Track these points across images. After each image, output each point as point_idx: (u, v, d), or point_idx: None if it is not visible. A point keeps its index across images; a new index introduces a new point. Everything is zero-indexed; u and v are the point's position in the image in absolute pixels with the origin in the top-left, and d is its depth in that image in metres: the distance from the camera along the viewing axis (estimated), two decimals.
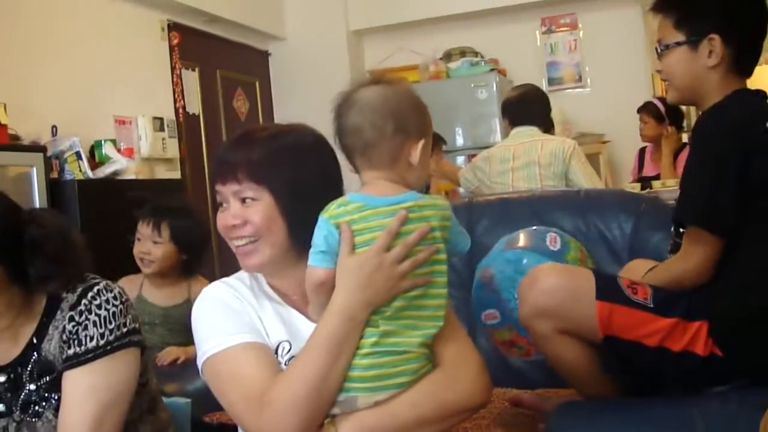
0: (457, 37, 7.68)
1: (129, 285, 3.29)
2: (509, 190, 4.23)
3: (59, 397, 1.82)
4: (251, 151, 1.71)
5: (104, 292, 1.85)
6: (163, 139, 5.81)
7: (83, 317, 1.81)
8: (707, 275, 2.03)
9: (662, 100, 5.57)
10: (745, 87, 2.20)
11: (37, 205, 4.05)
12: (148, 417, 1.98)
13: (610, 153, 7.08)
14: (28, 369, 1.87)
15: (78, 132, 4.73)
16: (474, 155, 5.09)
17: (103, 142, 4.99)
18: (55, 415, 1.83)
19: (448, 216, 1.64)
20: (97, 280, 1.88)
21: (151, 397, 2.01)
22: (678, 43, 2.19)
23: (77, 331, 1.80)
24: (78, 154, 4.60)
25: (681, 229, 2.15)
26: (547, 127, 4.66)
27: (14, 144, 4.19)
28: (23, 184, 4.07)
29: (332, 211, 1.59)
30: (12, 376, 1.88)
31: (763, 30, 2.20)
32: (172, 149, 5.94)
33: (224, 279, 1.80)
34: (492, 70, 7.20)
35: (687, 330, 2.01)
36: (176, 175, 5.98)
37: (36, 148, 4.29)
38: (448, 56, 7.59)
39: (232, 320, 1.68)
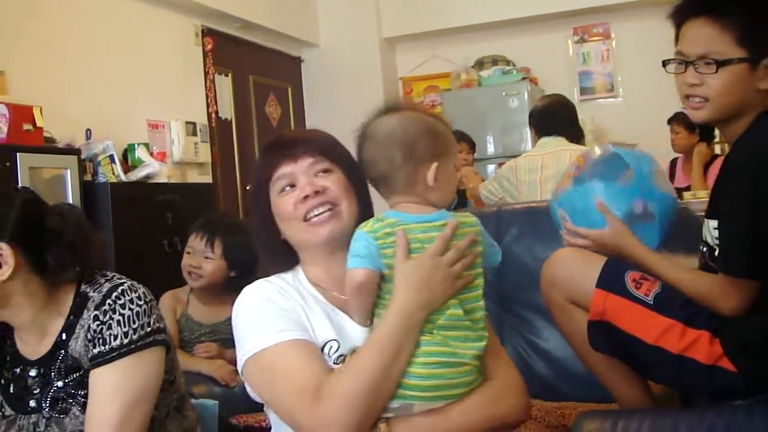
0: (489, 46, 7.69)
1: (174, 301, 3.31)
2: (537, 197, 4.21)
3: (86, 394, 1.85)
4: (319, 134, 1.84)
5: (128, 292, 1.87)
6: (196, 143, 5.86)
7: (107, 316, 1.84)
8: (745, 312, 1.96)
9: None
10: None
11: None
12: (175, 415, 2.00)
13: None
14: (56, 366, 1.91)
15: (112, 135, 4.79)
16: (504, 163, 5.08)
17: (136, 145, 5.04)
18: (83, 412, 1.86)
19: (479, 231, 1.71)
20: (122, 280, 1.91)
21: (179, 395, 2.03)
22: (741, 60, 1.95)
23: (102, 330, 1.83)
24: (111, 158, 4.65)
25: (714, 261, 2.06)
26: (576, 136, 4.61)
27: (49, 146, 4.24)
28: (57, 186, 4.12)
29: (370, 226, 1.66)
30: (42, 371, 1.92)
31: None
32: (204, 154, 5.99)
33: (267, 278, 1.81)
34: (523, 78, 7.20)
35: (686, 334, 2.00)
36: (208, 179, 6.02)
37: (70, 150, 4.35)
38: (479, 64, 7.60)
39: (280, 317, 1.69)
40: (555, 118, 4.48)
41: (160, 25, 5.76)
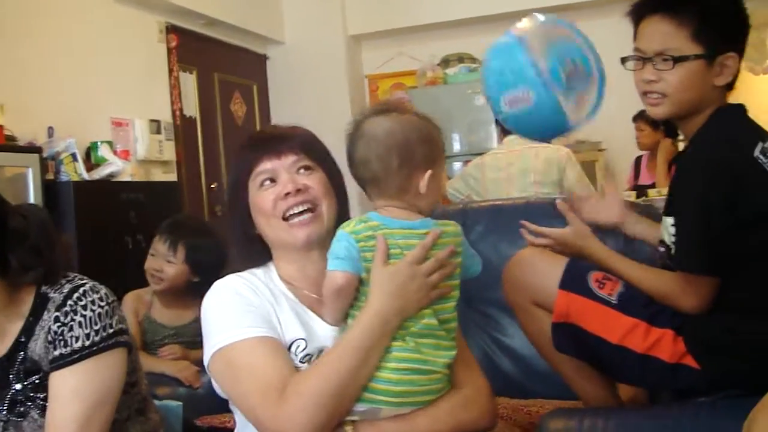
0: (455, 43, 7.69)
1: (137, 303, 3.28)
2: (504, 194, 4.22)
3: (45, 397, 1.82)
4: (303, 132, 1.83)
5: (90, 293, 1.84)
6: (160, 141, 5.81)
7: (69, 318, 1.81)
8: (707, 309, 1.97)
9: None
10: (728, 104, 2.09)
11: None
12: (137, 418, 1.98)
13: (606, 161, 7.08)
14: (15, 368, 1.87)
15: (74, 133, 4.73)
16: (470, 161, 5.08)
17: (99, 143, 4.99)
18: (41, 415, 1.83)
19: (460, 242, 1.71)
20: (83, 281, 1.88)
21: (141, 397, 2.01)
22: (697, 56, 1.98)
23: (63, 332, 1.80)
24: (74, 156, 4.60)
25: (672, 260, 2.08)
26: None
27: (10, 145, 4.19)
28: (19, 184, 4.07)
29: (353, 227, 1.64)
30: (1, 373, 1.88)
31: None
32: (169, 152, 5.94)
33: (239, 273, 1.80)
34: None
35: (650, 333, 2.01)
36: (172, 177, 5.98)
37: (32, 149, 4.30)
38: (445, 62, 7.60)
39: (249, 313, 1.69)
40: None
41: (124, 22, 5.70)
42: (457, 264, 1.69)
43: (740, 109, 2.09)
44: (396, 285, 1.60)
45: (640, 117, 5.71)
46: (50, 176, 4.46)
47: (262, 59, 7.83)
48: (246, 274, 1.80)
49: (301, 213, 1.74)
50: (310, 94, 7.35)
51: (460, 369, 1.71)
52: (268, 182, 1.77)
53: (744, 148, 1.96)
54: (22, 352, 1.86)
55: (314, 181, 1.77)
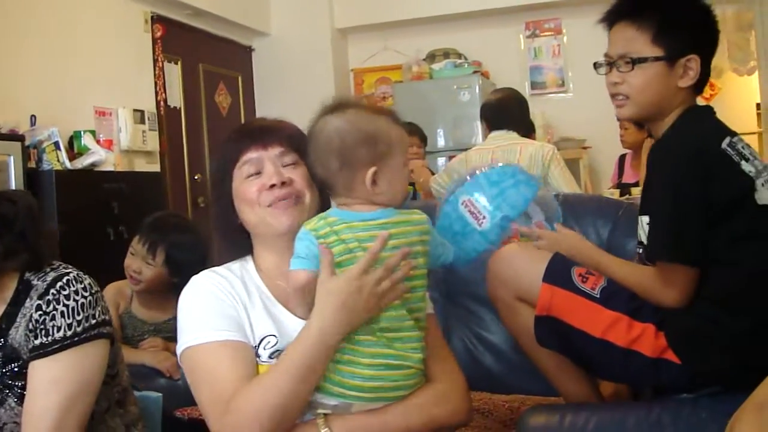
0: (441, 39, 7.69)
1: (118, 296, 3.25)
2: None
3: (23, 386, 1.81)
4: (288, 125, 1.84)
5: (74, 282, 1.83)
6: (144, 131, 5.78)
7: (51, 307, 1.80)
8: (687, 302, 1.99)
9: None
10: (696, 105, 2.14)
11: None
12: (117, 410, 1.97)
13: (590, 158, 7.11)
14: None
15: (57, 122, 4.71)
16: (455, 156, 5.06)
17: (82, 132, 4.96)
18: (18, 403, 1.82)
19: (426, 230, 1.68)
20: (68, 270, 1.87)
21: (121, 389, 2.00)
22: (656, 59, 2.05)
23: (44, 320, 1.79)
24: (56, 144, 4.57)
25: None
26: (527, 131, 4.63)
27: None
28: (0, 172, 4.04)
29: (314, 224, 1.64)
30: None
31: (716, 47, 2.15)
32: (152, 142, 5.91)
33: (215, 268, 1.81)
34: (475, 72, 7.21)
35: (632, 328, 2.02)
36: (156, 168, 5.95)
37: (14, 137, 4.27)
38: (431, 57, 7.60)
39: (216, 314, 1.70)
40: (507, 112, 4.49)
41: (109, 11, 5.67)
42: (414, 264, 1.64)
43: (708, 109, 2.16)
44: (342, 300, 1.57)
45: None
46: (32, 165, 4.43)
47: (248, 51, 7.81)
48: (222, 270, 1.80)
49: (286, 199, 1.76)
50: (296, 86, 7.34)
51: (435, 363, 1.70)
52: (254, 173, 1.78)
53: (712, 141, 2.01)
54: (1, 339, 1.85)
55: (298, 175, 1.78)
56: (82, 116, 5.22)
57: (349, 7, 7.76)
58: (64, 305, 1.80)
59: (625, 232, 2.65)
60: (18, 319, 1.84)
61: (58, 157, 4.56)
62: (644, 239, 2.11)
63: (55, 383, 1.77)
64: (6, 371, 1.85)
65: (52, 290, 1.82)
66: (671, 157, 2.01)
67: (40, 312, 1.80)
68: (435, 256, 1.71)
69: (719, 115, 2.14)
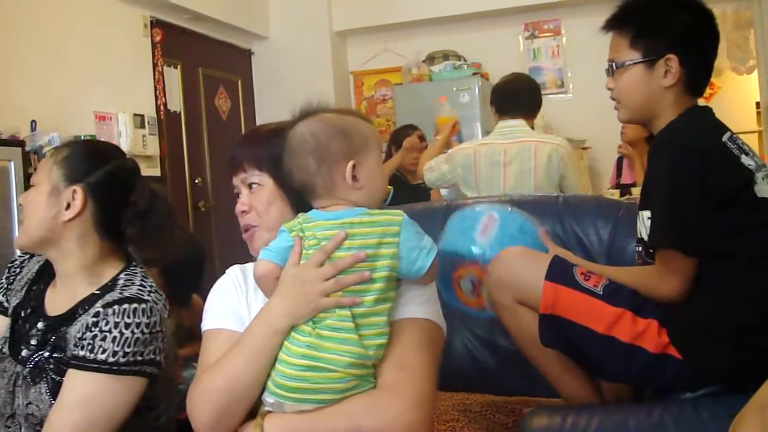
0: (440, 40, 7.69)
1: None
2: (499, 192, 4.09)
3: (56, 380, 1.82)
4: (255, 143, 1.86)
5: (141, 314, 1.84)
6: (144, 136, 5.78)
7: (107, 326, 1.81)
8: (686, 294, 2.03)
9: None
10: (697, 105, 2.21)
11: (14, 201, 4.02)
12: None
13: (590, 159, 7.10)
14: (56, 335, 1.89)
15: (58, 127, 4.70)
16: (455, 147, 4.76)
17: (82, 137, 4.95)
18: (48, 393, 1.83)
19: (395, 232, 1.64)
20: (147, 298, 1.87)
21: (157, 426, 1.97)
22: (634, 62, 2.18)
23: (95, 335, 1.80)
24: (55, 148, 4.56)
25: (650, 250, 2.15)
26: (534, 117, 4.42)
27: None
28: (1, 178, 4.04)
29: (291, 223, 1.68)
30: (45, 330, 1.92)
31: (715, 51, 2.21)
32: (153, 146, 5.90)
33: (244, 264, 1.89)
34: (474, 73, 7.20)
35: (636, 323, 2.04)
36: (156, 172, 5.95)
37: (14, 142, 4.27)
38: (430, 59, 7.59)
39: (219, 305, 1.80)
40: (516, 96, 4.30)
41: (109, 16, 5.67)
42: (367, 276, 1.61)
43: (707, 109, 2.22)
44: (291, 287, 1.62)
45: None
46: (33, 170, 4.42)
47: (247, 54, 7.81)
48: (248, 264, 1.87)
49: (247, 230, 1.86)
50: (295, 89, 7.33)
51: (389, 372, 1.64)
52: (239, 194, 1.88)
53: (712, 134, 2.08)
54: (66, 326, 1.88)
55: (257, 199, 1.83)
56: (83, 121, 5.22)
57: (347, 10, 7.76)
58: (120, 332, 1.80)
59: (626, 233, 2.65)
60: (81, 317, 1.87)
61: None
62: (644, 235, 2.14)
63: (82, 402, 1.78)
64: (51, 357, 1.86)
65: (117, 309, 1.82)
66: (670, 150, 2.06)
67: (95, 323, 1.81)
68: (409, 260, 1.65)
69: (718, 114, 2.19)
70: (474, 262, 2.31)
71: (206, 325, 1.79)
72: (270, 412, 1.64)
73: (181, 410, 2.56)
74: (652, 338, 2.02)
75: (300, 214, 1.70)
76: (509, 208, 2.46)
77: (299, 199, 1.76)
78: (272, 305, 1.64)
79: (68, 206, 1.91)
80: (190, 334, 2.60)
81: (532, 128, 4.36)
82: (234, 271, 1.87)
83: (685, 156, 2.01)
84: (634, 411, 2.01)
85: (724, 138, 2.06)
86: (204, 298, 1.87)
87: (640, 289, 2.09)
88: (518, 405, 2.50)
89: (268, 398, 1.63)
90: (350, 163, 1.67)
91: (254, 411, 1.67)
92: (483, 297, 2.33)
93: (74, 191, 1.91)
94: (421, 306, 1.74)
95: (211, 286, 1.88)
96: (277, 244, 1.67)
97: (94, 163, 1.96)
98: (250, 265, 1.86)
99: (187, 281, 2.96)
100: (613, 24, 2.25)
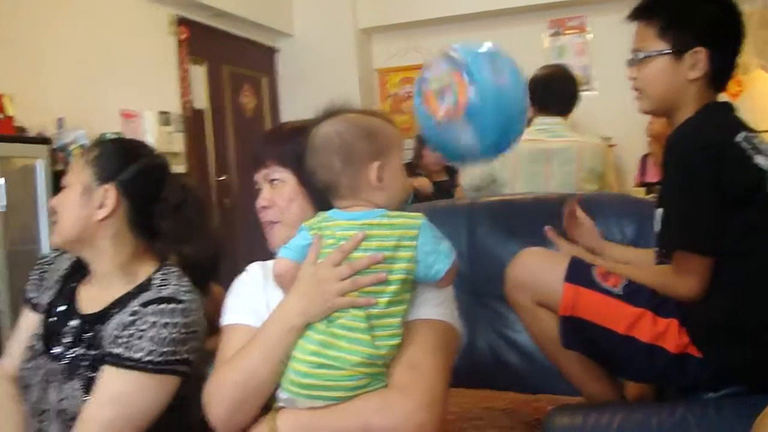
0: (465, 37, 7.60)
1: None
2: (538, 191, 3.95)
3: (89, 377, 1.84)
4: (278, 140, 1.88)
5: (179, 314, 1.85)
6: (169, 133, 5.82)
7: (144, 324, 1.82)
8: (703, 294, 2.02)
9: None
10: (716, 100, 2.20)
11: (42, 198, 4.06)
12: None
13: (616, 156, 7.06)
14: (90, 332, 1.91)
15: (84, 125, 4.74)
16: None
17: (108, 135, 4.97)
18: (81, 388, 1.85)
19: (413, 235, 1.64)
20: (183, 298, 1.89)
21: (187, 423, 1.98)
22: (661, 53, 2.16)
23: (132, 333, 1.82)
24: (83, 147, 4.59)
25: (663, 250, 2.15)
26: (570, 112, 4.27)
27: (20, 136, 4.20)
28: (28, 176, 4.08)
29: (311, 221, 1.70)
30: (79, 328, 1.94)
31: (742, 47, 2.20)
32: (178, 143, 5.95)
33: (264, 261, 1.89)
34: None
35: (656, 323, 2.03)
36: (181, 169, 5.98)
37: (41, 140, 4.31)
38: None
39: (240, 301, 1.82)
40: (553, 91, 4.17)
41: (134, 15, 5.71)
42: (383, 278, 1.61)
43: (727, 104, 2.20)
44: (307, 285, 1.63)
45: None
46: (60, 167, 4.46)
47: (272, 52, 7.83)
48: (270, 261, 1.86)
49: (269, 223, 1.88)
50: (320, 87, 7.34)
51: (401, 372, 1.63)
52: (260, 190, 1.90)
53: (726, 133, 2.06)
54: (103, 323, 1.90)
55: (279, 195, 1.85)
56: (109, 119, 5.26)
57: (372, 7, 7.76)
58: (156, 331, 1.82)
59: (650, 231, 2.64)
60: (117, 315, 1.89)
61: None
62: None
63: (115, 398, 1.79)
64: (84, 354, 1.88)
65: (155, 308, 1.84)
66: (684, 148, 2.05)
67: (132, 321, 1.83)
68: (426, 264, 1.65)
69: (746, 112, 2.18)
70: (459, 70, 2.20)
71: (225, 320, 1.81)
72: (283, 408, 1.65)
73: None
74: (673, 338, 2.01)
75: (320, 213, 1.71)
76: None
77: (321, 198, 1.76)
78: (288, 302, 1.65)
79: (101, 205, 1.92)
80: (212, 326, 2.62)
81: (569, 125, 4.23)
82: (254, 268, 1.88)
83: (697, 158, 2.00)
84: (656, 410, 2.00)
85: (738, 138, 2.04)
86: (224, 288, 1.89)
87: (657, 288, 2.08)
88: (541, 403, 2.50)
89: (281, 394, 1.64)
90: (375, 164, 1.68)
91: (268, 406, 1.68)
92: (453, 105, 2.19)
93: (106, 190, 1.93)
94: (436, 307, 1.74)
95: (233, 282, 1.89)
96: (296, 242, 1.68)
97: (124, 161, 1.97)
98: (270, 262, 1.86)
99: (203, 269, 3.00)
100: (641, 14, 2.23)
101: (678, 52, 2.15)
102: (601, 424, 1.94)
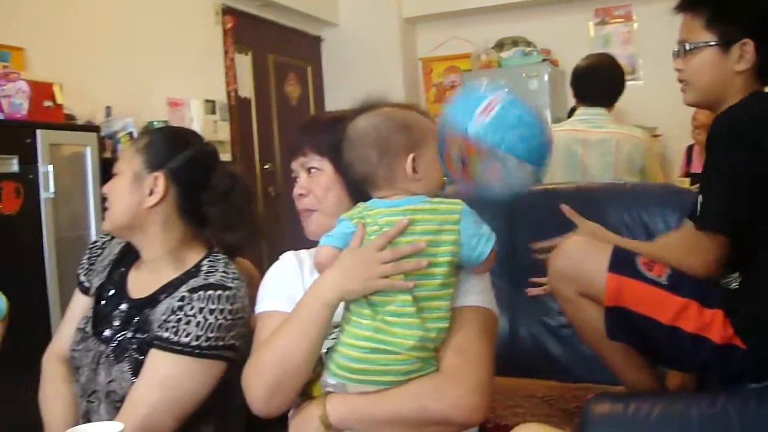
0: (509, 27, 7.65)
1: None
2: (576, 181, 3.95)
3: (138, 360, 1.88)
4: (316, 129, 1.91)
5: (225, 300, 1.88)
6: (215, 121, 5.87)
7: (192, 310, 1.86)
8: (715, 272, 2.05)
9: None
10: (761, 91, 2.18)
11: (90, 185, 4.12)
12: (218, 421, 2.00)
13: (661, 147, 7.00)
14: (139, 316, 1.95)
15: (131, 113, 4.80)
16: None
17: (155, 123, 5.03)
18: (129, 370, 1.89)
19: (455, 220, 1.67)
20: (230, 285, 1.92)
21: (228, 407, 2.01)
22: (708, 44, 2.16)
23: (180, 319, 1.85)
24: (131, 135, 4.65)
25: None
26: (613, 103, 4.22)
27: (69, 124, 4.26)
28: (77, 163, 4.13)
29: (350, 212, 1.71)
30: (128, 312, 1.98)
31: None
32: (224, 132, 6.00)
33: (300, 250, 1.93)
34: (544, 60, 7.16)
35: (702, 314, 2.02)
36: (227, 158, 6.02)
37: (90, 128, 4.36)
38: (500, 46, 7.57)
39: (276, 288, 1.85)
40: (593, 82, 4.11)
41: (181, 4, 5.77)
42: (426, 263, 1.62)
43: None
44: (346, 264, 1.64)
45: None
46: (108, 154, 4.53)
47: (317, 41, 7.86)
48: (303, 251, 1.92)
49: (305, 211, 1.90)
50: (364, 76, 7.37)
51: (450, 356, 1.66)
52: (297, 178, 1.92)
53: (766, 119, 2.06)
54: (152, 307, 1.94)
55: (316, 183, 1.87)
56: (156, 107, 5.32)
57: None
58: (204, 317, 1.85)
59: None
60: (165, 300, 1.92)
61: None
62: None
63: (163, 381, 1.83)
64: (133, 337, 1.92)
65: (203, 294, 1.87)
66: (727, 132, 2.05)
67: (180, 307, 1.87)
68: (469, 247, 1.67)
69: None
70: (465, 138, 2.21)
71: (260, 307, 1.84)
72: (331, 393, 1.67)
73: None
74: (718, 329, 2.00)
75: (359, 204, 1.73)
76: (514, 96, 2.39)
77: (357, 188, 1.79)
78: (323, 278, 1.66)
79: (151, 192, 1.96)
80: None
81: (612, 116, 4.19)
82: (288, 257, 1.91)
83: (738, 140, 2.00)
84: (696, 400, 2.00)
85: None
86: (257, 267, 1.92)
87: (671, 259, 2.10)
88: (581, 391, 2.50)
89: (330, 380, 1.66)
90: (411, 156, 1.71)
91: (304, 390, 1.71)
92: (470, 172, 2.21)
93: (156, 177, 1.96)
94: (479, 295, 1.77)
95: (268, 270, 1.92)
96: (339, 230, 1.69)
97: (174, 148, 2.01)
98: (304, 251, 1.91)
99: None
100: (688, 5, 2.22)
101: (725, 44, 2.14)
102: (640, 413, 1.94)
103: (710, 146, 2.09)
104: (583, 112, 4.08)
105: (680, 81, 2.27)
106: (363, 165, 1.72)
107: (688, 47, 2.20)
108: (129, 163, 2.00)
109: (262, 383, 1.66)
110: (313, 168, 1.87)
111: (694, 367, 2.16)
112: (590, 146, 3.97)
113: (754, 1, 2.17)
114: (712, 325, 2.01)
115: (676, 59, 2.26)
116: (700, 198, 2.08)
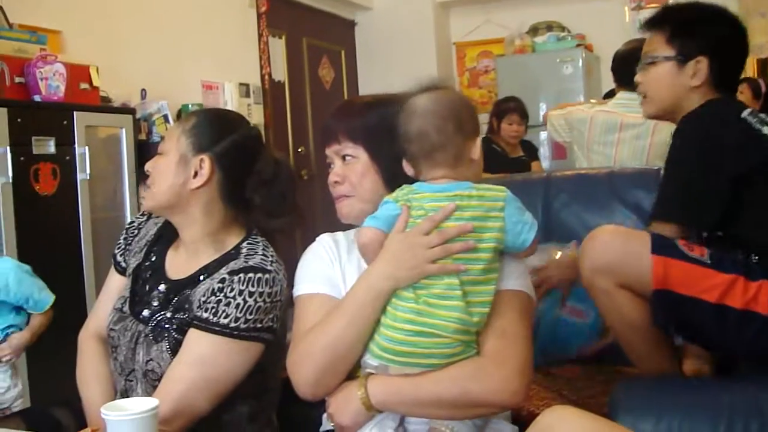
0: (543, 12, 7.61)
1: None
2: (610, 164, 3.97)
3: (177, 340, 1.90)
4: (350, 115, 1.91)
5: (264, 284, 1.89)
6: (249, 105, 5.89)
7: (231, 292, 1.87)
8: None
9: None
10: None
11: (125, 167, 4.16)
12: (252, 401, 2.00)
13: None
14: (179, 297, 1.97)
15: (166, 96, 4.83)
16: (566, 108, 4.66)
17: (190, 106, 5.06)
18: (168, 350, 1.91)
19: (500, 207, 1.68)
20: (269, 268, 1.92)
21: (264, 387, 2.03)
22: (666, 58, 2.32)
23: (219, 301, 1.87)
24: (166, 117, 4.69)
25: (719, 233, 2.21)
26: None
27: (105, 106, 4.29)
28: (112, 145, 4.17)
29: (395, 194, 1.72)
30: (167, 292, 2.00)
31: (744, 58, 2.35)
32: (257, 115, 6.02)
33: (335, 233, 1.95)
34: (578, 45, 7.13)
35: (748, 288, 2.02)
36: None
37: (125, 110, 4.40)
38: (534, 30, 7.53)
39: (314, 270, 1.87)
40: (632, 67, 4.05)
41: None
42: (472, 246, 1.63)
43: (730, 96, 2.35)
44: (394, 251, 1.64)
45: (744, 81, 5.66)
46: (143, 137, 4.57)
47: (351, 25, 7.87)
48: (339, 233, 1.94)
49: (341, 197, 1.90)
50: (398, 60, 7.36)
51: (491, 339, 1.67)
52: (332, 164, 1.92)
53: (732, 110, 2.21)
54: (191, 288, 1.96)
55: (352, 170, 1.87)
56: (190, 90, 5.34)
57: None
58: (243, 299, 1.86)
59: None
60: (206, 281, 1.94)
61: (167, 129, 4.68)
62: None
63: (201, 360, 1.85)
64: (174, 318, 1.94)
65: (242, 277, 1.88)
66: (692, 129, 2.20)
67: (220, 288, 1.88)
68: (514, 233, 1.68)
69: None
70: None
71: (299, 290, 1.85)
72: (372, 374, 1.68)
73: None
74: (765, 299, 2.00)
75: (404, 186, 1.73)
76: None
77: (393, 173, 1.80)
78: (375, 268, 1.66)
79: (195, 174, 1.97)
80: None
81: None
82: (325, 239, 1.92)
83: (704, 133, 2.14)
84: (726, 386, 2.00)
85: (744, 114, 2.17)
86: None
87: None
88: (609, 375, 2.50)
89: (371, 361, 1.67)
90: (478, 139, 1.75)
91: (350, 374, 1.72)
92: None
93: (201, 160, 1.97)
94: (518, 279, 1.77)
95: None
96: (384, 212, 1.70)
97: (220, 132, 2.02)
98: (340, 233, 1.92)
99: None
100: (654, 22, 2.40)
101: (682, 59, 2.29)
102: (669, 400, 1.94)
103: (674, 148, 2.20)
104: (621, 96, 4.09)
105: (639, 94, 2.45)
106: (438, 136, 1.70)
107: (648, 59, 2.36)
108: (175, 143, 2.01)
109: (312, 367, 1.68)
110: (348, 155, 1.87)
111: (740, 345, 2.11)
112: (625, 129, 3.98)
113: (712, 21, 2.32)
114: (760, 296, 2.01)
115: (638, 72, 2.43)
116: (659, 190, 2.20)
